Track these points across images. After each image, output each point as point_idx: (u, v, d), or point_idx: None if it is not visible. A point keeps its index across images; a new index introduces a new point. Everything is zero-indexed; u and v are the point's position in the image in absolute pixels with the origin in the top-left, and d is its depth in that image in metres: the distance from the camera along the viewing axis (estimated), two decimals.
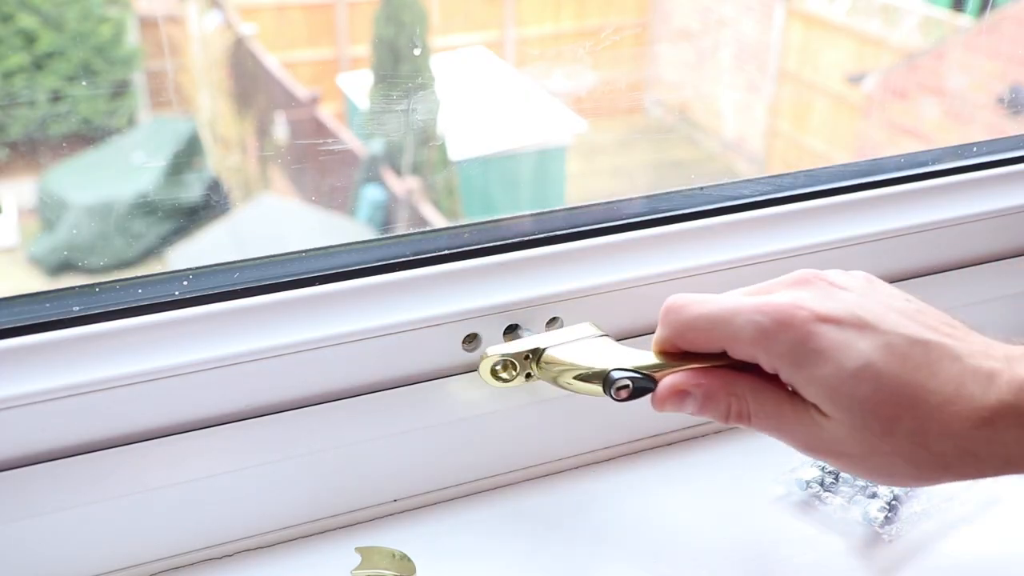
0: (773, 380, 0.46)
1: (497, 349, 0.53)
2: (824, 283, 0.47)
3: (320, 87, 3.08)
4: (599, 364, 0.50)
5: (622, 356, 0.50)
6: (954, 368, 0.43)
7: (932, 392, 0.43)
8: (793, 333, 0.44)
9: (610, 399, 0.49)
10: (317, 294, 0.53)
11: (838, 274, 0.48)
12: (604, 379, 0.49)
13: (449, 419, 0.55)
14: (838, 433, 0.44)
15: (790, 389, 0.46)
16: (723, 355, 0.47)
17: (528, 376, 0.54)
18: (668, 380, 0.48)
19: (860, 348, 0.43)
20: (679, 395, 0.47)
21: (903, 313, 0.45)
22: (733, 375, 0.47)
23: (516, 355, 0.53)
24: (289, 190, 2.80)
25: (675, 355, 0.48)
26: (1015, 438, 0.42)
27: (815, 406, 0.44)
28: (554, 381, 0.53)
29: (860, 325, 0.44)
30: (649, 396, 0.48)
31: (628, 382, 0.48)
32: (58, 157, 2.63)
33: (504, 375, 0.54)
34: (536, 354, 0.53)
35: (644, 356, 0.50)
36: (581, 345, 0.53)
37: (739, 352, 0.46)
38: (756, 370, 0.46)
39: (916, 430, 0.43)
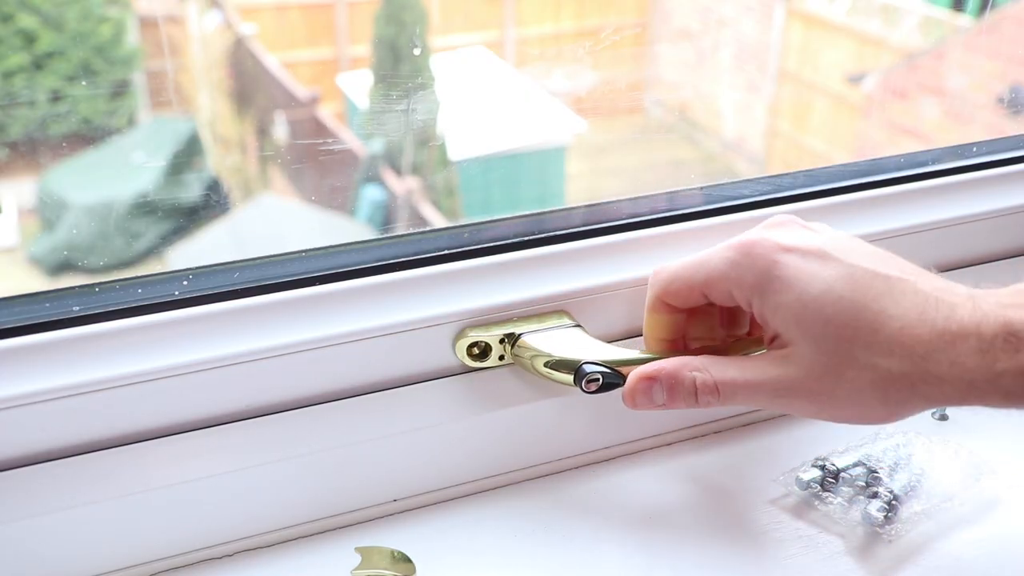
0: (726, 351, 0.51)
1: (475, 330, 0.55)
2: (797, 225, 0.50)
3: (320, 87, 3.08)
4: (572, 355, 0.52)
5: (594, 349, 0.53)
6: (916, 298, 0.45)
7: (893, 317, 0.44)
8: (759, 262, 0.47)
9: (580, 390, 0.51)
10: (317, 294, 0.53)
11: (818, 224, 0.50)
12: (576, 371, 0.52)
13: (449, 419, 0.55)
14: (804, 366, 0.46)
15: (761, 340, 0.49)
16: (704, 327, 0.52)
17: (501, 359, 0.55)
18: (634, 372, 0.50)
19: (823, 275, 0.45)
20: (646, 382, 0.49)
21: (870, 254, 0.47)
22: (687, 356, 0.50)
23: (491, 337, 0.55)
24: (289, 190, 2.80)
25: (663, 341, 0.53)
26: (976, 364, 0.43)
27: (780, 345, 0.47)
28: (526, 367, 0.54)
29: (823, 256, 0.46)
30: (621, 397, 0.51)
31: (599, 376, 0.51)
32: (58, 157, 2.64)
33: (479, 355, 0.55)
34: (511, 338, 0.55)
35: (615, 351, 0.53)
36: (556, 334, 0.55)
37: (717, 293, 0.49)
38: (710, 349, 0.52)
39: (879, 351, 0.44)
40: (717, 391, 0.48)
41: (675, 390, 0.49)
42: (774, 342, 0.48)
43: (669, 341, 0.53)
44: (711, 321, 0.54)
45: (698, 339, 0.54)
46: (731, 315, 0.54)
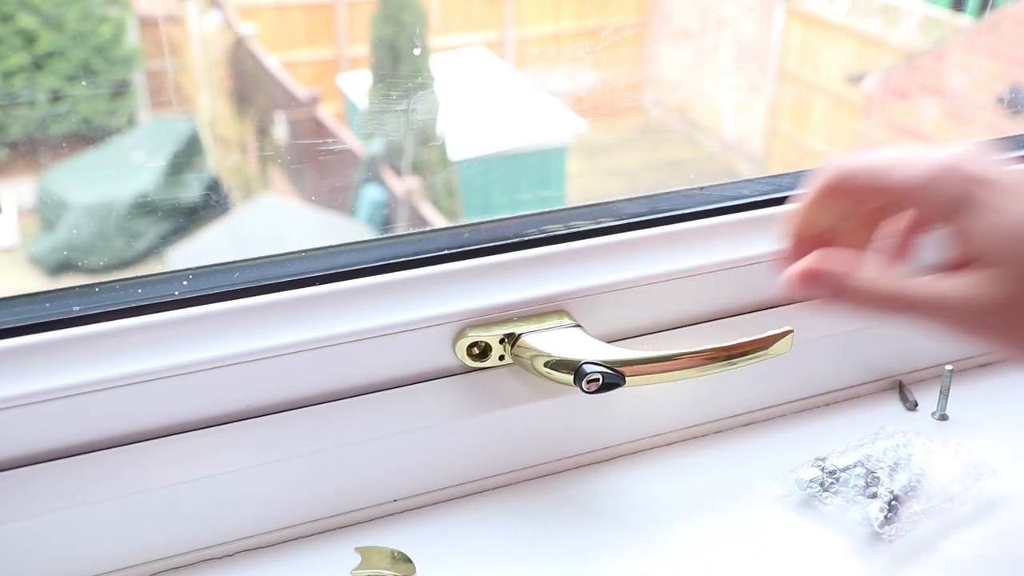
0: None
1: (475, 330, 0.55)
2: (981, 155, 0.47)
3: (320, 87, 3.08)
4: (572, 355, 0.52)
5: (594, 349, 0.53)
6: None
7: None
8: (972, 177, 0.44)
9: (580, 390, 0.51)
10: (317, 294, 0.53)
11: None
12: (576, 371, 0.52)
13: (449, 419, 0.55)
14: (1008, 289, 0.44)
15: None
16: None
17: (501, 359, 0.55)
18: (824, 256, 0.46)
19: (1020, 206, 0.43)
20: (815, 276, 0.46)
21: None
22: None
23: (491, 337, 0.55)
24: (289, 190, 2.81)
25: (813, 233, 0.48)
26: None
27: (980, 267, 0.44)
28: (526, 367, 0.54)
29: (1015, 187, 0.44)
30: (792, 274, 0.46)
31: (599, 376, 0.51)
32: (58, 157, 2.64)
33: (479, 355, 0.55)
34: (511, 339, 0.55)
35: (615, 351, 0.52)
36: (556, 334, 0.55)
37: (911, 198, 0.46)
38: None
39: None
40: (904, 300, 0.45)
41: (863, 287, 0.45)
42: (971, 264, 0.46)
43: (818, 234, 0.49)
44: (859, 220, 0.50)
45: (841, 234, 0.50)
46: (876, 219, 0.51)
